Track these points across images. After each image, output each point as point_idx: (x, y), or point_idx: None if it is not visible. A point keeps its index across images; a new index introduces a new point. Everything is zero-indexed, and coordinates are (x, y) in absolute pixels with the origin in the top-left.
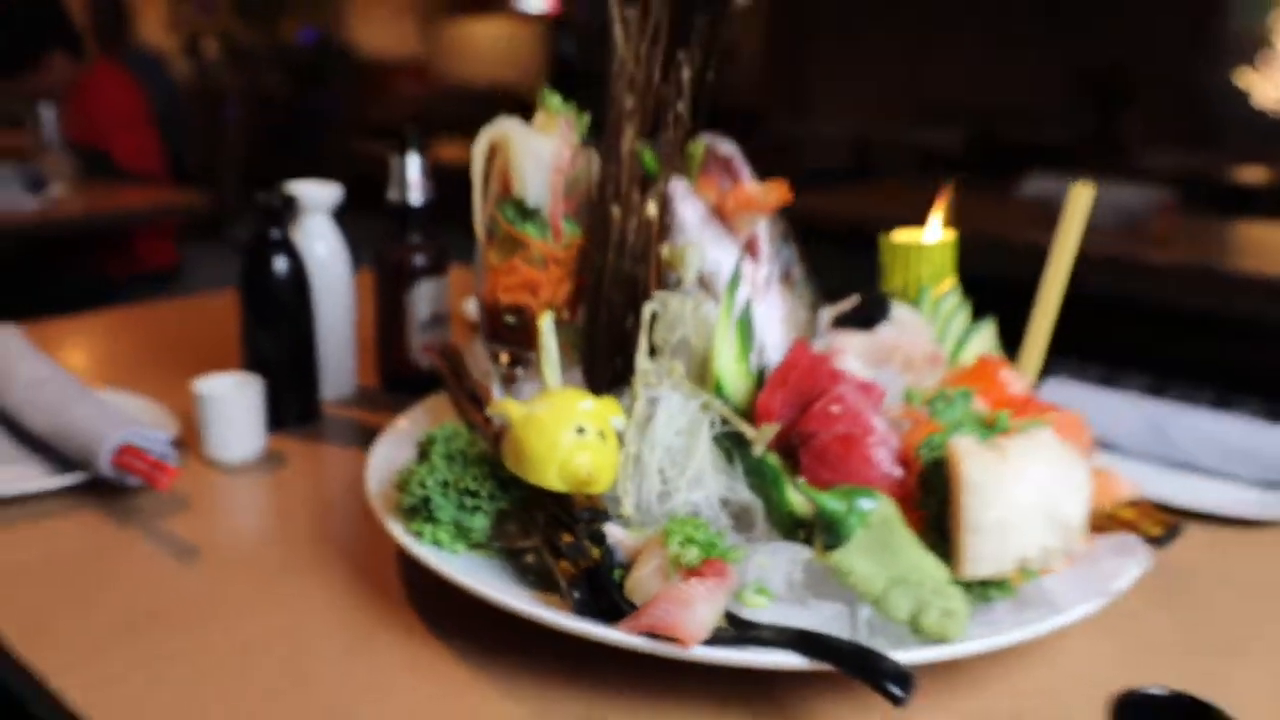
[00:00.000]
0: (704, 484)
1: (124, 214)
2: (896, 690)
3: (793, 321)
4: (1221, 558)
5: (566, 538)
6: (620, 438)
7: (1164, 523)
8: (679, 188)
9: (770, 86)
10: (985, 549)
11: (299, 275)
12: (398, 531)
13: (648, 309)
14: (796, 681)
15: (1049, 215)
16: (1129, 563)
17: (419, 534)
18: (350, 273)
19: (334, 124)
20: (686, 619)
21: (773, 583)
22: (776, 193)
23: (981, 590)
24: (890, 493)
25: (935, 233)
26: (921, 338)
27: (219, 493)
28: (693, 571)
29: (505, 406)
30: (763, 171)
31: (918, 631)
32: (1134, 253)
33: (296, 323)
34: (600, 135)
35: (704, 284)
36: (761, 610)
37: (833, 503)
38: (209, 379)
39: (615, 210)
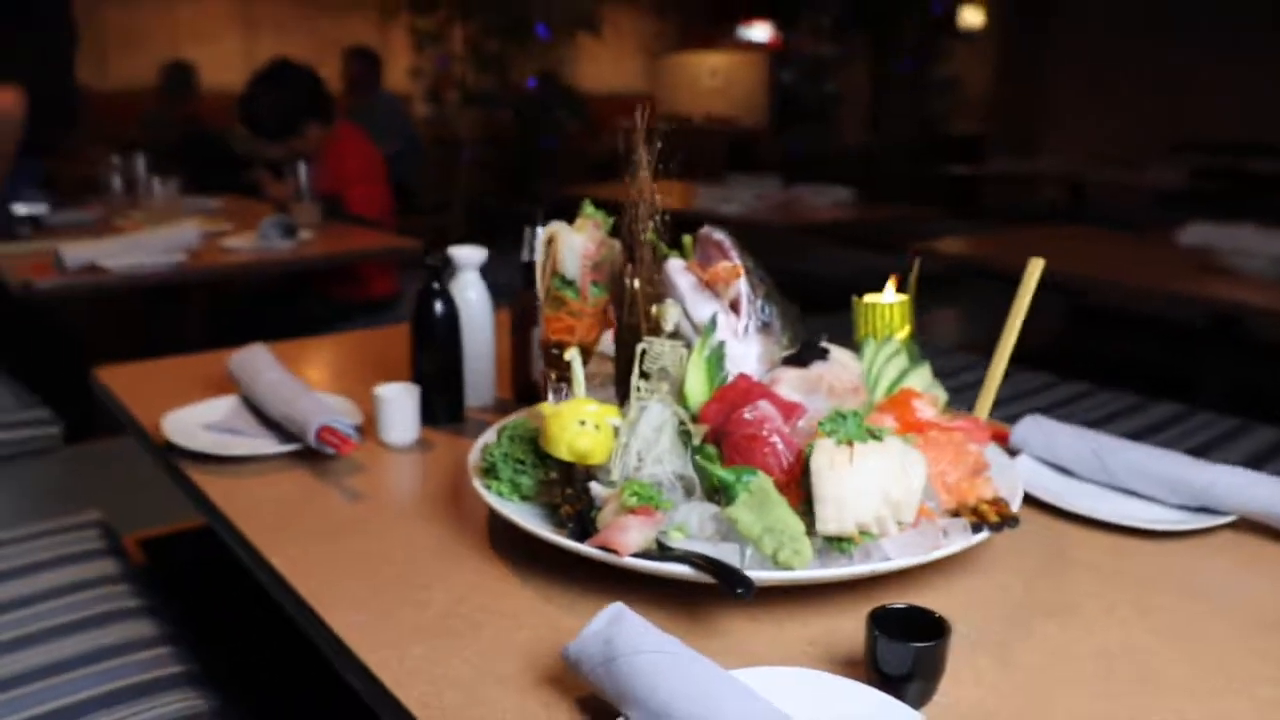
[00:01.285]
0: (664, 463)
1: (355, 254)
2: (741, 590)
3: (767, 360)
4: (1104, 554)
5: (569, 491)
6: (616, 430)
7: (1004, 515)
8: (675, 265)
9: (996, 119)
10: (829, 513)
11: (451, 315)
12: (477, 485)
13: (639, 348)
14: (699, 592)
15: (1207, 263)
16: (961, 539)
17: (488, 487)
18: (492, 312)
19: (556, 161)
20: (622, 538)
21: (691, 526)
22: (734, 272)
23: (839, 544)
24: (784, 475)
25: (890, 296)
26: (848, 373)
27: (383, 463)
28: (632, 511)
29: (543, 407)
30: (980, 203)
31: (776, 563)
32: None
33: (448, 349)
34: (620, 230)
35: (697, 330)
36: (681, 543)
37: (727, 475)
38: (384, 386)
39: (628, 282)
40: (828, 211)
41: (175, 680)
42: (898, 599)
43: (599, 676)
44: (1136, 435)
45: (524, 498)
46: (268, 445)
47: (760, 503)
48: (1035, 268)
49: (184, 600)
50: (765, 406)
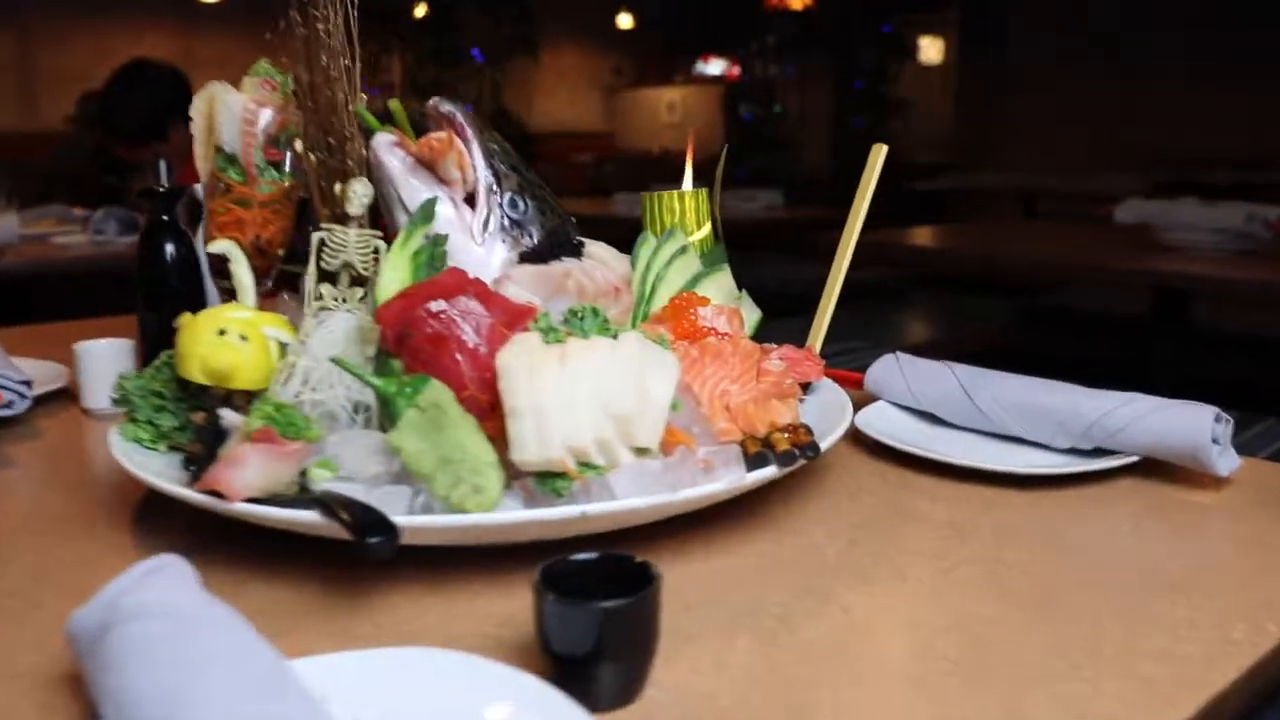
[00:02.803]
0: (334, 386)
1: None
2: (375, 540)
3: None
4: (958, 507)
5: (201, 423)
6: (284, 348)
7: (799, 445)
8: (383, 141)
9: (954, 139)
10: (526, 431)
11: (188, 257)
12: (111, 433)
13: (315, 237)
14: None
15: (1147, 240)
16: (729, 475)
17: (124, 433)
18: None
19: None
20: (232, 477)
21: (343, 462)
22: (446, 143)
23: (551, 483)
24: (485, 392)
25: (686, 184)
26: (607, 273)
27: (72, 429)
28: (254, 440)
29: (183, 317)
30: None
31: (449, 505)
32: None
33: (184, 299)
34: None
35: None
36: (328, 484)
37: (386, 386)
38: (89, 342)
39: (312, 158)
40: (758, 215)
41: None
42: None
43: (88, 658)
44: None
45: (173, 446)
46: None
47: (434, 424)
48: (878, 153)
49: None
50: (466, 302)
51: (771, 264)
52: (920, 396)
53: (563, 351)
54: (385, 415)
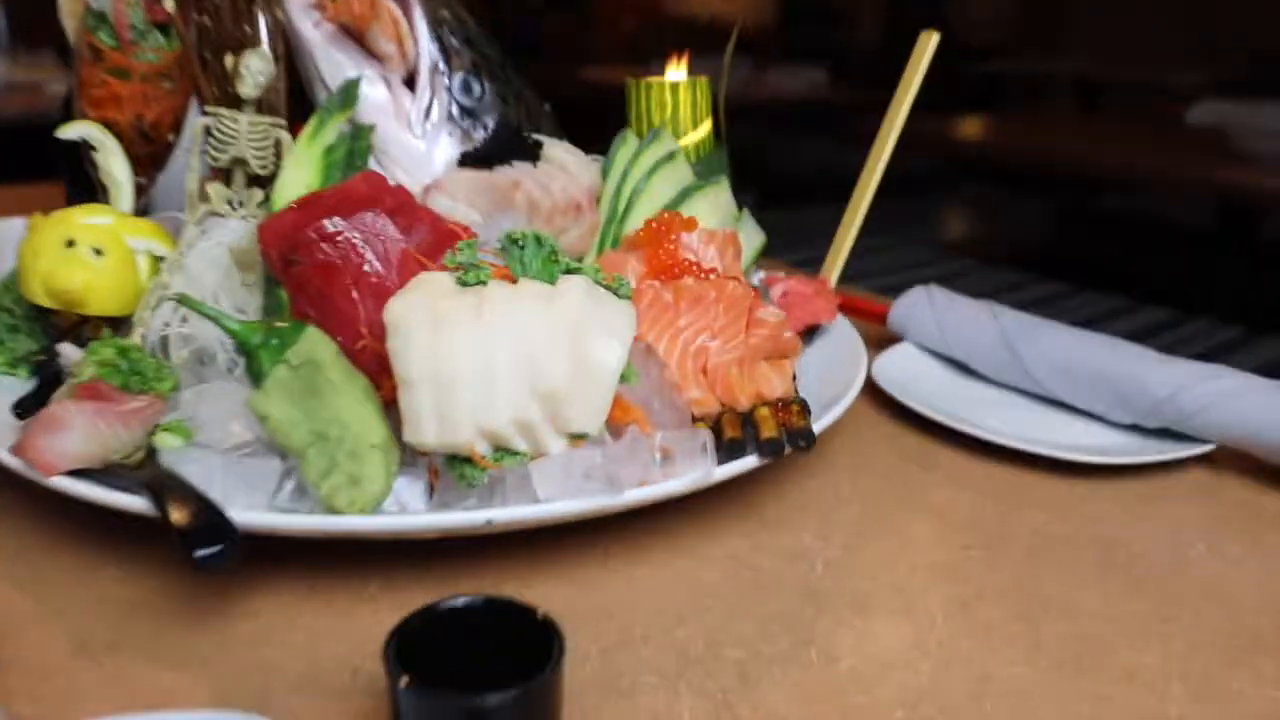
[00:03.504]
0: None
1: None
2: (204, 553)
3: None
4: (990, 503)
5: (41, 359)
6: (159, 263)
7: (791, 429)
8: (297, 2)
9: (1015, 21)
10: (420, 409)
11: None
12: None
13: (199, 124)
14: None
15: (1220, 146)
16: (692, 471)
17: None
18: None
19: (532, 49)
20: (48, 444)
21: (199, 425)
22: (368, 6)
23: (460, 468)
24: (383, 337)
25: (676, 76)
26: (568, 183)
27: None
28: (83, 395)
29: (34, 217)
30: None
31: (320, 496)
32: None
33: None
34: None
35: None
36: (177, 455)
37: (244, 330)
38: None
39: (205, 21)
40: (799, 93)
41: None
42: (569, 584)
43: None
44: None
45: (32, 373)
46: None
47: (308, 387)
48: (927, 41)
49: None
50: (374, 220)
51: (810, 147)
52: (953, 343)
53: (480, 300)
54: (250, 372)
